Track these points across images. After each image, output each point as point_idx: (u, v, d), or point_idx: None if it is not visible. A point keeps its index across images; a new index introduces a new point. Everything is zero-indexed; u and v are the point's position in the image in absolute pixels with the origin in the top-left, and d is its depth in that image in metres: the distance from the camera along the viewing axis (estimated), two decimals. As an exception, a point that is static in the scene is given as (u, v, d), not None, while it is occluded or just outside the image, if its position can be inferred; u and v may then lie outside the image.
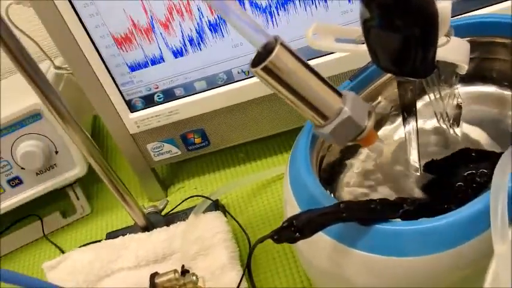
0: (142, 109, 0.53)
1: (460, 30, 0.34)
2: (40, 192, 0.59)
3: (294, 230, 0.28)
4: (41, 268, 0.52)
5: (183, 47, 0.48)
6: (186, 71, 0.50)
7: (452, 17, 0.30)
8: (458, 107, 0.39)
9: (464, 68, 0.34)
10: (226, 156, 0.63)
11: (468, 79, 0.41)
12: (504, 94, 0.40)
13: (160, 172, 0.63)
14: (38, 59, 0.49)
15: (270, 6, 0.46)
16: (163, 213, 0.54)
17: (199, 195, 0.57)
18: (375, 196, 0.37)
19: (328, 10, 0.47)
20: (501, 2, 0.48)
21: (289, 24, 0.47)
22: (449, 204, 0.30)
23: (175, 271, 0.40)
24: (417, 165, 0.37)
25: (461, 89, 0.41)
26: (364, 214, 0.29)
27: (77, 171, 0.59)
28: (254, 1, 0.45)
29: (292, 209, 0.34)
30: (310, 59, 0.49)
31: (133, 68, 0.49)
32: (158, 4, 0.45)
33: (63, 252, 0.59)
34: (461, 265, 0.28)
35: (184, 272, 0.43)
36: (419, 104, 0.40)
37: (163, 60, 0.49)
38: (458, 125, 0.39)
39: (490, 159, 0.33)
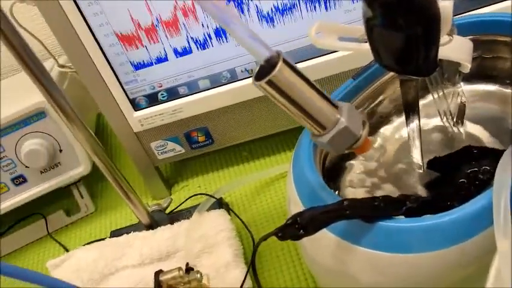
0: (146, 107, 0.53)
1: (462, 29, 0.34)
2: (44, 190, 0.59)
3: (298, 227, 0.28)
4: (45, 266, 0.53)
5: (187, 46, 0.48)
6: (190, 70, 0.50)
7: (454, 16, 0.31)
8: (462, 105, 0.39)
9: (467, 66, 0.34)
10: (230, 154, 0.63)
11: (470, 77, 0.41)
12: (506, 92, 0.40)
13: (164, 170, 0.64)
14: (42, 57, 0.49)
15: (274, 5, 0.46)
16: (167, 211, 0.54)
17: (203, 194, 0.57)
18: (378, 194, 0.37)
19: (330, 9, 0.47)
20: (503, 1, 0.48)
21: (292, 23, 0.47)
22: (452, 201, 0.30)
23: (179, 269, 0.41)
24: (420, 163, 0.37)
25: (464, 87, 0.41)
26: (368, 211, 0.29)
27: (81, 169, 0.59)
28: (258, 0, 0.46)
29: (296, 206, 0.34)
30: (312, 58, 0.50)
31: (137, 66, 0.50)
32: (163, 3, 0.46)
33: (67, 250, 0.60)
34: (464, 262, 0.28)
35: (189, 269, 0.43)
36: (422, 103, 0.41)
37: (167, 59, 0.49)
38: (462, 123, 0.39)
39: (493, 156, 0.33)
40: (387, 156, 0.41)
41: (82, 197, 0.63)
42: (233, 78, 0.51)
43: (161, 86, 0.52)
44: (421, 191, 0.37)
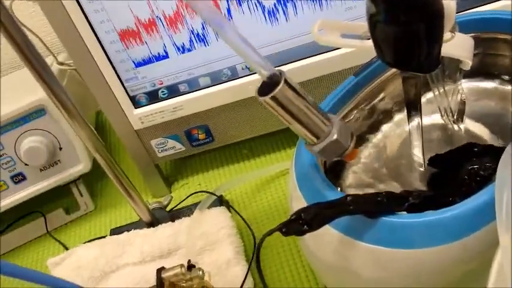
0: (147, 105, 0.53)
1: (463, 27, 0.34)
2: (44, 188, 0.59)
3: (302, 223, 0.28)
4: (45, 265, 0.53)
5: (187, 43, 0.49)
6: (190, 67, 0.50)
7: (456, 13, 0.31)
8: (462, 102, 0.39)
9: (468, 63, 0.34)
10: (230, 152, 0.63)
11: (471, 75, 0.42)
12: (506, 89, 0.41)
13: (164, 168, 0.64)
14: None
15: (276, 2, 0.46)
16: (167, 209, 0.54)
17: (204, 191, 0.57)
18: (380, 190, 0.37)
19: (331, 7, 0.47)
20: (503, -1, 0.48)
21: (294, 20, 0.48)
22: (454, 197, 0.31)
23: (181, 266, 0.41)
24: (421, 160, 0.37)
25: (464, 85, 0.42)
26: (371, 207, 0.29)
27: (81, 167, 0.59)
28: (258, -3, 0.46)
29: (299, 203, 0.34)
30: (315, 55, 0.50)
31: (138, 63, 0.50)
32: (164, 1, 0.46)
33: (66, 248, 0.59)
34: (466, 257, 0.28)
35: (191, 266, 0.43)
36: (423, 100, 0.41)
37: (168, 56, 0.49)
38: (462, 121, 0.39)
39: (493, 153, 0.33)
40: (388, 154, 0.42)
41: (81, 195, 0.63)
42: (234, 75, 0.51)
43: (162, 84, 0.52)
44: (423, 188, 0.37)
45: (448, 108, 0.38)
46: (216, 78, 0.51)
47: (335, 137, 0.30)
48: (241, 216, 0.53)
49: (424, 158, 0.37)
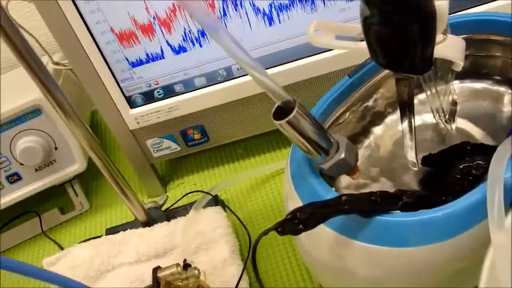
0: (142, 105, 0.53)
1: (456, 28, 0.35)
2: (39, 188, 0.59)
3: (297, 222, 0.28)
4: (40, 264, 0.53)
5: (183, 44, 0.49)
6: (186, 68, 0.51)
7: (448, 15, 0.31)
8: (454, 103, 0.40)
9: (459, 64, 0.35)
10: (226, 152, 0.64)
11: (463, 75, 0.42)
12: (498, 90, 0.41)
13: (159, 168, 0.64)
14: (37, 54, 0.49)
15: (270, 4, 0.47)
16: (162, 209, 0.55)
17: (199, 191, 0.57)
18: (374, 190, 0.38)
19: (325, 8, 0.47)
20: (496, 0, 0.49)
21: (288, 21, 0.48)
22: (446, 196, 0.31)
23: (177, 265, 0.41)
24: (414, 160, 0.37)
25: (457, 85, 0.42)
26: (365, 206, 0.30)
27: (77, 167, 0.59)
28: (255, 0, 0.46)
29: (294, 202, 0.34)
30: (309, 56, 0.50)
31: (133, 64, 0.50)
32: (160, 2, 0.46)
33: (62, 248, 0.59)
34: (460, 255, 0.29)
35: (186, 266, 0.43)
36: (416, 101, 0.41)
37: (164, 57, 0.50)
38: (453, 121, 0.40)
39: (485, 152, 0.33)
40: (382, 154, 0.42)
41: (77, 195, 0.63)
42: (229, 76, 0.52)
43: (157, 84, 0.52)
44: (416, 187, 0.38)
45: (440, 109, 0.39)
46: (212, 79, 0.52)
47: (342, 155, 0.32)
48: (236, 216, 0.54)
49: (417, 158, 0.37)
